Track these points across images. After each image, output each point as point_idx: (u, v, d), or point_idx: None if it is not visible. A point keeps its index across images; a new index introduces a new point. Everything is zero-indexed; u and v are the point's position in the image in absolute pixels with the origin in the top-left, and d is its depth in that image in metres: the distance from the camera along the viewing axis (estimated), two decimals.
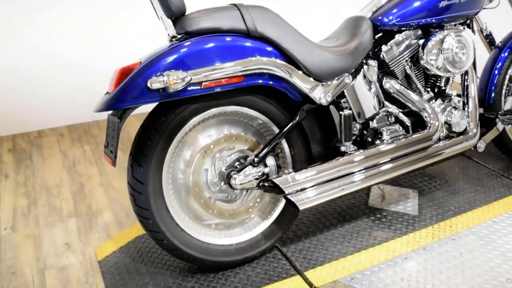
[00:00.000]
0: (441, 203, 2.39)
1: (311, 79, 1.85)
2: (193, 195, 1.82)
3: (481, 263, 1.99)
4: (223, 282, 1.91)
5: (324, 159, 2.01)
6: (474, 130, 2.18)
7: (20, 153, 3.15)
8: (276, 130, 1.92)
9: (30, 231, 2.33)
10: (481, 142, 2.29)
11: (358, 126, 2.04)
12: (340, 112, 1.90)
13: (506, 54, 2.42)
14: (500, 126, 2.31)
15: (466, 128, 2.19)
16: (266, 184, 1.83)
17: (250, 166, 1.83)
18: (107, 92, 1.74)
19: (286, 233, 2.10)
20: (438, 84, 2.22)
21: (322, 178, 1.85)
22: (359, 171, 1.92)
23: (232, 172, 1.82)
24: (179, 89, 1.59)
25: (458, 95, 2.27)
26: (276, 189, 1.82)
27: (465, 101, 2.25)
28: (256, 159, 1.83)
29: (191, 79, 1.61)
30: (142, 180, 1.72)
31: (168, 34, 1.77)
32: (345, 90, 1.95)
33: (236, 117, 1.90)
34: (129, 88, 1.62)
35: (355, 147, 1.99)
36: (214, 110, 1.80)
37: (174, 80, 1.58)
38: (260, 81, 1.77)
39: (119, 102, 1.61)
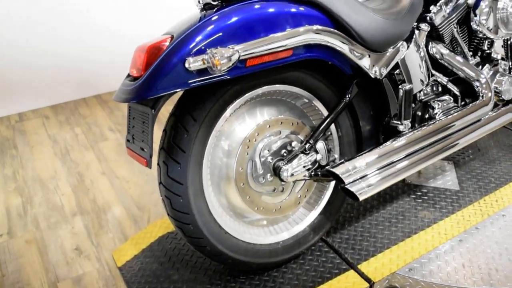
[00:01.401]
0: (480, 174, 2.19)
1: (366, 49, 1.56)
2: (238, 191, 1.53)
3: None
4: (271, 285, 1.65)
5: (374, 139, 1.75)
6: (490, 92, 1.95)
7: (2, 141, 2.73)
8: (323, 109, 1.63)
9: (31, 235, 1.98)
10: None
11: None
12: (400, 86, 1.62)
13: None
14: None
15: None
16: (321, 173, 1.56)
17: (302, 154, 1.54)
18: (129, 76, 1.40)
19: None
20: (483, 48, 1.97)
21: (383, 162, 1.59)
22: (419, 149, 1.67)
23: (281, 163, 1.53)
24: (225, 69, 1.27)
25: (502, 59, 2.03)
26: (332, 179, 1.55)
27: (511, 65, 2.01)
28: (307, 145, 1.55)
29: (239, 57, 1.29)
30: (181, 180, 1.41)
31: (199, 1, 1.42)
32: (399, 61, 1.67)
33: (279, 97, 1.60)
34: (163, 71, 1.28)
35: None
36: (258, 91, 1.48)
37: (221, 58, 1.25)
38: (311, 54, 1.47)
39: (153, 89, 1.27)
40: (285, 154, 1.57)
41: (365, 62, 1.57)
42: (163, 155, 1.43)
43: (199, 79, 1.32)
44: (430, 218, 1.94)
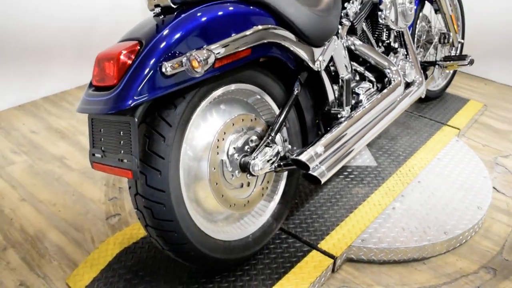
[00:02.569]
0: (389, 150, 2.47)
1: (308, 44, 1.67)
2: (213, 191, 1.52)
3: (451, 199, 2.12)
4: (247, 279, 1.68)
5: (316, 128, 1.87)
6: (420, 79, 2.26)
7: None
8: (272, 104, 1.70)
9: None
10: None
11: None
12: (341, 76, 1.76)
13: None
14: (436, 72, 2.45)
15: (414, 78, 2.26)
16: (286, 163, 1.63)
17: (266, 148, 1.59)
18: (92, 86, 1.31)
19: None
20: (387, 39, 2.23)
21: (337, 145, 1.71)
22: (360, 130, 1.83)
23: (248, 158, 1.57)
24: (202, 71, 1.27)
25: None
26: (296, 167, 1.63)
27: (406, 52, 2.30)
28: (270, 139, 1.60)
29: (215, 59, 1.30)
30: (163, 187, 1.36)
31: (156, 5, 1.39)
32: (333, 54, 1.81)
33: (233, 96, 1.62)
34: (140, 78, 1.24)
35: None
36: (219, 91, 1.50)
37: (199, 61, 1.25)
38: (265, 52, 1.54)
39: (132, 97, 1.22)
40: (248, 150, 1.60)
41: (308, 57, 1.68)
42: (140, 166, 1.36)
43: (176, 82, 1.30)
44: (362, 193, 2.14)
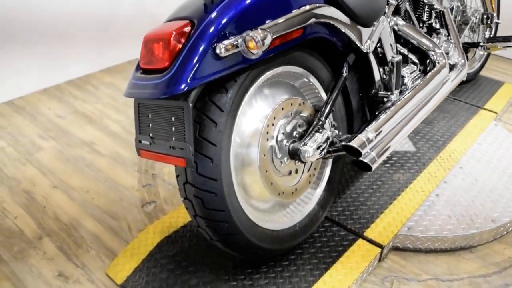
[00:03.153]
0: (427, 134, 2.37)
1: (358, 24, 1.57)
2: (262, 179, 1.44)
3: (494, 185, 2.03)
4: (294, 269, 1.61)
5: (361, 112, 1.78)
6: (462, 61, 2.15)
7: None
8: (319, 87, 1.61)
9: None
10: None
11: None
12: (391, 58, 1.66)
13: None
14: (478, 54, 2.34)
15: (456, 60, 2.15)
16: (335, 149, 1.54)
17: (317, 133, 1.51)
18: (140, 68, 1.23)
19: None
20: (430, 19, 2.11)
21: (386, 130, 1.62)
22: (408, 115, 1.74)
23: (298, 144, 1.48)
24: (259, 52, 1.18)
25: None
26: (346, 153, 1.54)
27: (447, 33, 2.19)
28: (320, 124, 1.52)
29: (272, 39, 1.20)
30: (215, 175, 1.28)
31: None
32: (381, 34, 1.71)
33: (280, 79, 1.53)
34: (194, 60, 1.15)
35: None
36: (269, 74, 1.41)
37: (257, 41, 1.15)
38: (315, 33, 1.44)
39: (186, 81, 1.14)
40: (296, 135, 1.52)
41: (357, 37, 1.58)
42: None
43: (230, 65, 1.21)
44: (403, 179, 2.05)
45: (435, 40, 2.07)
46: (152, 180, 2.11)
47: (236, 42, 1.17)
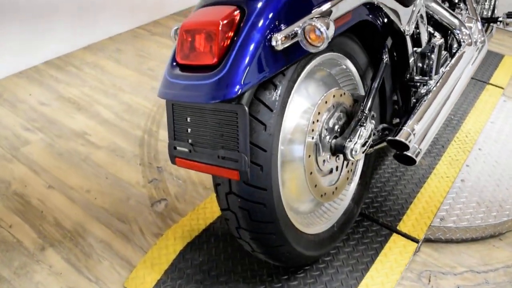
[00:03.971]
0: None
1: (400, 4, 1.40)
2: (307, 181, 1.28)
3: None
4: (332, 272, 1.48)
5: (392, 99, 1.64)
6: (483, 38, 2.03)
7: None
8: (356, 74, 1.45)
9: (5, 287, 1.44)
10: None
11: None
12: (432, 43, 1.51)
13: None
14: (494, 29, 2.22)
15: (476, 37, 2.02)
16: (377, 143, 1.40)
17: (361, 128, 1.35)
18: (176, 64, 1.03)
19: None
20: None
21: (429, 119, 1.48)
22: (445, 98, 1.61)
23: (341, 141, 1.32)
24: (326, 45, 1.00)
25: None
26: (391, 148, 1.40)
27: (466, 9, 2.05)
28: (363, 117, 1.36)
29: (334, 30, 1.02)
30: (265, 185, 1.11)
31: None
32: (418, 15, 1.54)
33: (318, 67, 1.36)
34: (250, 55, 0.96)
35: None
36: (314, 63, 1.23)
37: (322, 31, 0.97)
38: (362, 16, 1.27)
39: (243, 81, 0.95)
40: (338, 130, 1.36)
41: (400, 18, 1.41)
42: None
43: (287, 58, 1.03)
44: (426, 164, 1.94)
45: (459, 17, 1.93)
46: (158, 174, 1.92)
47: (293, 33, 0.99)
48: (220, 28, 0.96)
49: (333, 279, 1.45)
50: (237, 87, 0.94)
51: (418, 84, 1.60)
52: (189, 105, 1.05)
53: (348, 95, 1.39)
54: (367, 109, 1.36)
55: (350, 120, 1.38)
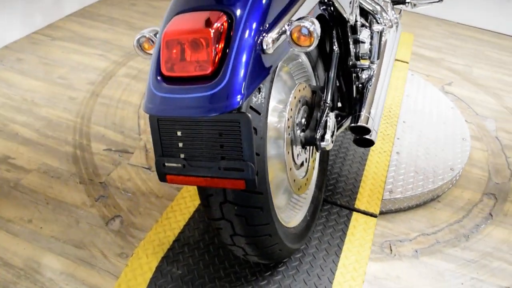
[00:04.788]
0: None
1: None
2: (288, 177, 1.29)
3: (437, 134, 2.17)
4: (310, 259, 1.52)
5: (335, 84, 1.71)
6: (396, 20, 2.19)
7: None
8: (308, 66, 1.48)
9: None
10: None
11: None
12: (375, 28, 1.59)
13: None
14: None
15: (391, 18, 2.17)
16: (338, 129, 1.46)
17: (327, 118, 1.39)
18: (165, 77, 0.97)
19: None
20: None
21: (378, 100, 1.57)
22: (384, 78, 1.71)
23: (311, 132, 1.35)
24: (315, 44, 1.01)
25: None
26: (353, 134, 1.46)
27: None
28: (327, 107, 1.40)
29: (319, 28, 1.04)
30: (261, 189, 1.10)
31: None
32: (356, 6, 1.61)
33: (282, 64, 1.36)
34: (247, 62, 0.94)
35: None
36: (282, 59, 1.23)
37: (312, 30, 0.98)
38: (319, 10, 1.31)
39: (241, 90, 0.92)
40: (304, 123, 1.39)
41: (345, 8, 1.47)
42: None
43: (275, 60, 1.03)
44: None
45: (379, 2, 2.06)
46: (104, 190, 1.79)
47: (280, 34, 0.99)
48: (211, 36, 0.92)
49: (313, 266, 1.50)
50: (239, 96, 0.92)
51: (359, 69, 1.69)
52: (179, 118, 1.00)
53: (308, 88, 1.43)
54: (328, 99, 1.41)
55: (312, 112, 1.42)
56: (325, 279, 1.46)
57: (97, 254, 1.55)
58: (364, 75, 1.68)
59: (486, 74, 2.98)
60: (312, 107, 1.42)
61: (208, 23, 0.93)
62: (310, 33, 0.97)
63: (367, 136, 1.47)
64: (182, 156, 1.02)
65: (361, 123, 1.43)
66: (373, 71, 1.67)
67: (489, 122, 2.50)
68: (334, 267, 1.50)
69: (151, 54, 1.10)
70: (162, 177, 1.05)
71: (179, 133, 1.01)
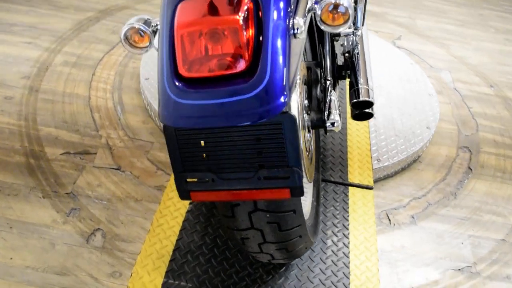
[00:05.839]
0: None
1: None
2: (304, 166, 1.17)
3: (405, 93, 2.15)
4: (321, 246, 1.44)
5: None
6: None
7: None
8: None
9: None
10: None
11: None
12: None
13: None
14: None
15: None
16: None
17: (331, 97, 1.27)
18: (184, 79, 0.80)
19: None
20: None
21: (370, 69, 1.48)
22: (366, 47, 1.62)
23: (318, 114, 1.23)
24: (349, 25, 0.88)
25: None
26: (356, 110, 1.37)
27: None
28: (330, 85, 1.29)
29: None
30: None
31: None
32: None
33: None
34: (283, 51, 0.80)
35: None
36: None
37: (346, 7, 0.85)
38: None
39: (284, 87, 0.78)
40: (306, 105, 1.26)
41: None
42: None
43: (302, 45, 0.89)
44: None
45: None
46: (73, 202, 1.57)
47: (308, 14, 0.84)
48: (241, 23, 0.75)
49: (325, 252, 1.42)
50: (284, 95, 0.77)
51: (348, 37, 1.58)
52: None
53: (304, 65, 1.30)
54: (328, 76, 1.29)
55: (310, 91, 1.30)
56: (341, 264, 1.39)
57: (86, 279, 1.35)
58: (353, 43, 1.58)
59: (429, 25, 3.00)
60: (309, 85, 1.30)
61: (231, 6, 0.76)
62: (345, 10, 0.84)
63: (367, 110, 1.39)
64: (211, 169, 0.87)
65: (363, 97, 1.33)
66: (357, 38, 1.57)
67: (444, 73, 2.53)
68: (346, 250, 1.44)
69: (143, 48, 0.91)
70: (185, 195, 0.89)
71: (205, 143, 0.85)
